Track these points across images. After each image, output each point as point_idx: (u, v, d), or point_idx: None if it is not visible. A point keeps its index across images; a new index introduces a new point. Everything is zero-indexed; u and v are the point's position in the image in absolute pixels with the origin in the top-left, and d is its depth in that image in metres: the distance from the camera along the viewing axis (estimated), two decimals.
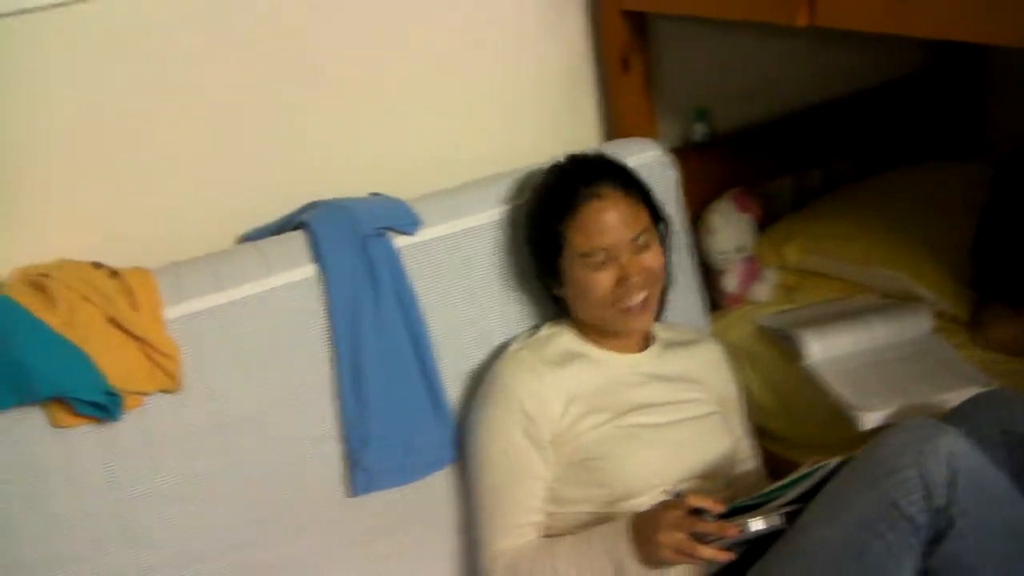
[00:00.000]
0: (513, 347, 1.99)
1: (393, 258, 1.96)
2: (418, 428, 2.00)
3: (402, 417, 1.98)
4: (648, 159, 2.24)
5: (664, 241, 1.99)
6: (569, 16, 2.38)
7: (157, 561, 1.83)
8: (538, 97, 2.40)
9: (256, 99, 2.05)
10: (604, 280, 1.89)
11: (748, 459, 2.14)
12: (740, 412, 2.15)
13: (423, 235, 2.02)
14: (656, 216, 1.98)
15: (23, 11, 1.79)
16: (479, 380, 2.00)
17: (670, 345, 2.07)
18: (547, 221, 1.96)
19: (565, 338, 2.00)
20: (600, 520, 1.86)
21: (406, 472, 2.00)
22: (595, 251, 1.88)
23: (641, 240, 1.90)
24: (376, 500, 1.99)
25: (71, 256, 1.88)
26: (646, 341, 2.05)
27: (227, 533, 1.88)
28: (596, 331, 1.99)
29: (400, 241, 1.99)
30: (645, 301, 1.91)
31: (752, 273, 2.62)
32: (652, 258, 1.91)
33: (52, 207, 1.93)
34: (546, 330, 2.03)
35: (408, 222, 1.99)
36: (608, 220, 1.89)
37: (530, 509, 1.91)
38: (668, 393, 1.99)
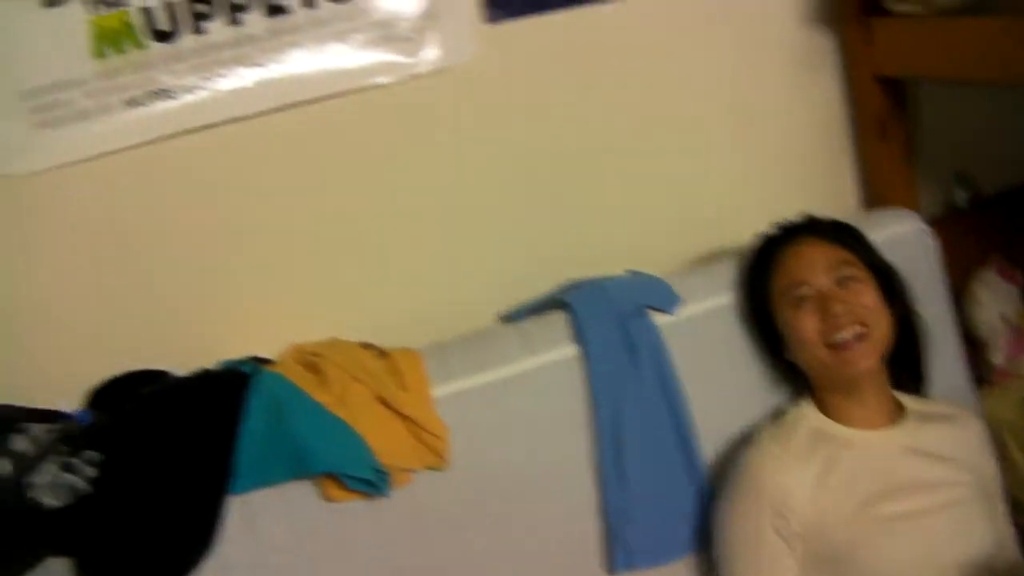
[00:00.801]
0: (758, 436, 1.92)
1: (654, 336, 1.96)
2: (678, 507, 1.97)
3: (663, 496, 1.96)
4: (906, 230, 2.18)
5: (892, 294, 1.91)
6: (822, 84, 2.35)
7: None
8: (793, 165, 2.37)
9: (513, 179, 2.12)
10: (808, 316, 1.84)
11: (1009, 550, 1.96)
12: (1001, 498, 1.99)
13: (682, 313, 2.01)
14: (874, 266, 1.90)
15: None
16: (727, 470, 1.94)
17: (926, 419, 1.93)
18: (753, 280, 1.95)
19: (810, 419, 1.90)
20: None
21: (666, 551, 1.98)
22: (794, 285, 1.85)
23: (845, 272, 1.84)
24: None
25: (339, 334, 1.94)
26: (898, 414, 1.93)
27: None
28: (837, 401, 1.90)
29: (659, 319, 1.97)
30: (861, 338, 1.81)
31: (1020, 345, 2.50)
32: (860, 293, 1.84)
33: (317, 290, 2.04)
34: (791, 414, 1.94)
35: (667, 300, 1.99)
36: (806, 256, 1.87)
37: None
38: (924, 471, 1.85)
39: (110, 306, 1.94)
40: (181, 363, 1.90)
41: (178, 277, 1.95)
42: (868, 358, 1.82)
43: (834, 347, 1.82)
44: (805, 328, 1.84)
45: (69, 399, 1.89)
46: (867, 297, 1.84)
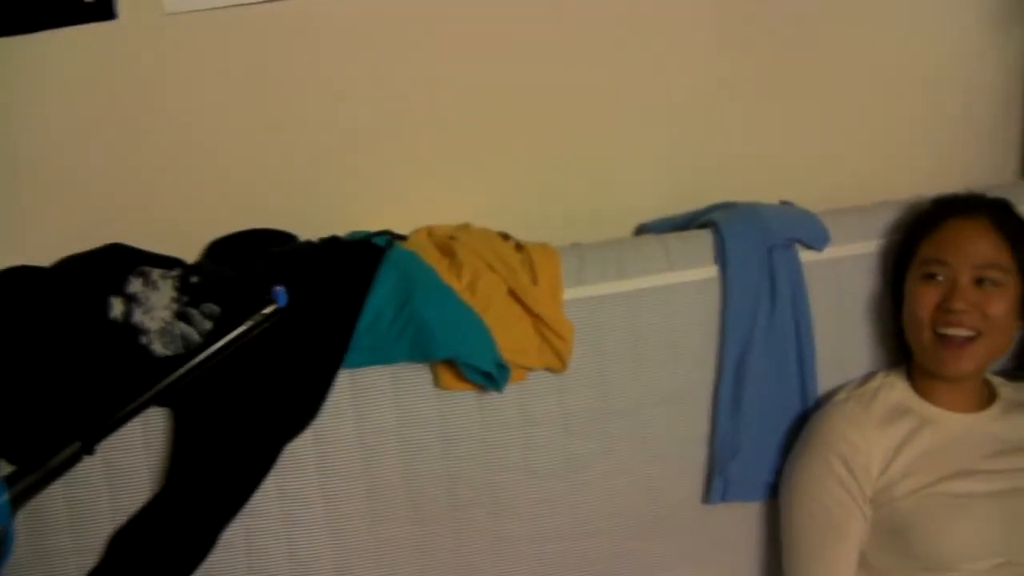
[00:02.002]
0: (840, 396, 1.89)
1: (797, 272, 1.90)
2: (784, 447, 1.94)
3: (772, 434, 1.93)
4: None
5: None
6: (1008, 44, 2.24)
7: (517, 533, 1.86)
8: (962, 122, 2.27)
9: (679, 93, 2.05)
10: (931, 295, 1.79)
11: None
12: None
13: (828, 252, 1.94)
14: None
15: None
16: (807, 427, 1.90)
17: (1016, 406, 1.87)
18: (908, 236, 1.89)
19: (896, 391, 1.86)
20: None
21: (766, 488, 1.95)
22: (935, 260, 1.79)
23: (989, 274, 1.76)
24: (731, 512, 1.96)
25: (476, 221, 1.92)
26: (988, 399, 1.87)
27: (587, 518, 1.89)
28: (928, 381, 1.85)
29: (805, 255, 1.91)
30: (969, 344, 1.76)
31: None
32: (992, 300, 1.76)
33: (460, 171, 1.99)
34: (878, 380, 1.90)
35: (818, 237, 1.93)
36: (962, 236, 1.79)
37: (848, 567, 1.80)
38: (1004, 459, 1.80)
39: (245, 158, 1.89)
40: (310, 228, 1.86)
41: (317, 139, 1.90)
42: (967, 363, 1.77)
43: (939, 338, 1.78)
44: (923, 305, 1.80)
45: (191, 249, 1.86)
46: (997, 307, 1.77)
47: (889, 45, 2.15)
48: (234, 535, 1.73)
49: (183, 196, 1.87)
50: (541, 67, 1.95)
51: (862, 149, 2.19)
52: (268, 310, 1.61)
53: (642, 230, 2.06)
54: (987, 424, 1.82)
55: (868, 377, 1.93)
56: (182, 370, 1.58)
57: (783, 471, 1.88)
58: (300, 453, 1.73)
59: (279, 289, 1.61)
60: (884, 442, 1.78)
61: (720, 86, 2.05)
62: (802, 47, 2.10)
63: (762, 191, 2.04)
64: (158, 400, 1.61)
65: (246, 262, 1.75)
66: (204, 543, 1.68)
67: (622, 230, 2.06)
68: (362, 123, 1.90)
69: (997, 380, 1.91)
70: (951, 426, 1.81)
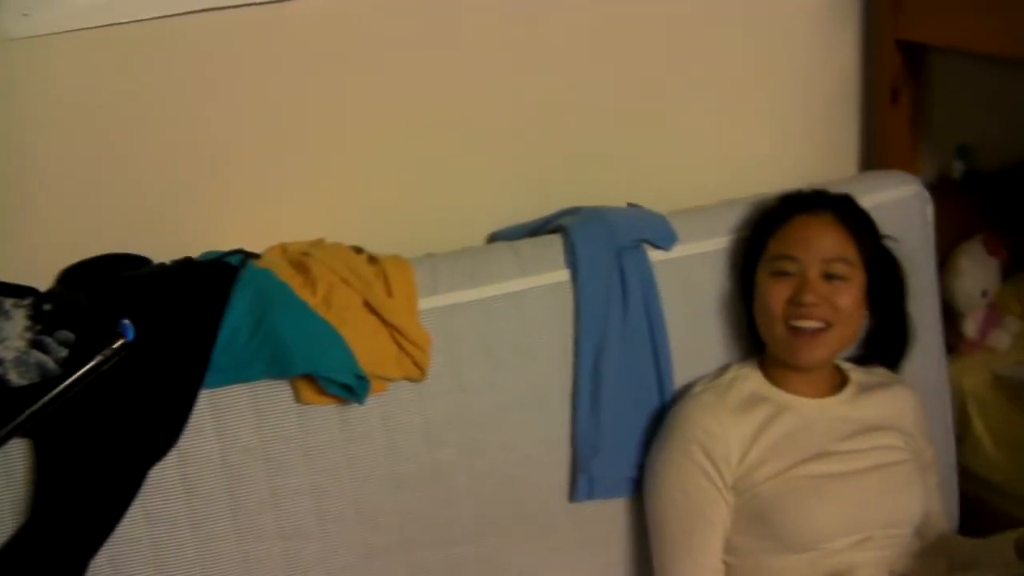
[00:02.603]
0: (696, 389, 1.94)
1: (647, 272, 1.94)
2: (645, 443, 1.97)
3: (632, 430, 1.96)
4: (906, 194, 2.18)
5: (886, 291, 1.92)
6: (842, 41, 2.32)
7: (384, 544, 1.86)
8: (801, 120, 2.35)
9: (523, 101, 2.07)
10: (782, 290, 1.84)
11: (940, 519, 2.02)
12: (934, 465, 2.03)
13: (677, 251, 1.99)
14: (873, 264, 1.89)
15: None
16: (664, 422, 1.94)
17: (865, 389, 1.96)
18: (756, 233, 1.94)
19: (751, 381, 1.92)
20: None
21: (627, 485, 1.98)
22: (785, 256, 1.84)
23: (836, 268, 1.83)
24: (599, 509, 1.98)
25: (329, 236, 1.92)
26: (839, 384, 1.95)
27: (453, 524, 1.90)
28: (780, 370, 1.91)
29: (654, 255, 1.96)
30: (820, 335, 1.82)
31: (993, 320, 2.52)
32: (840, 293, 1.83)
33: (311, 188, 1.98)
34: (732, 372, 1.95)
35: (666, 237, 1.97)
36: (809, 232, 1.85)
37: (714, 554, 1.84)
38: (858, 439, 1.88)
39: (94, 183, 1.87)
40: (163, 251, 1.85)
41: (167, 161, 1.88)
42: (819, 352, 1.84)
43: (792, 330, 1.83)
44: (774, 300, 1.85)
45: (42, 277, 1.82)
46: (844, 299, 1.83)
47: (730, 47, 2.21)
48: (102, 565, 1.71)
49: (34, 224, 1.85)
50: (385, 80, 1.96)
51: (707, 150, 2.25)
52: (116, 344, 1.60)
53: (494, 238, 2.09)
54: (839, 408, 1.89)
55: (723, 369, 1.98)
56: (43, 400, 1.56)
57: (645, 464, 1.92)
58: (164, 476, 1.72)
59: (126, 323, 1.61)
60: (741, 430, 1.83)
61: (565, 93, 2.09)
62: (646, 52, 2.14)
63: (610, 195, 2.07)
64: (18, 431, 1.59)
65: (99, 288, 1.74)
66: (72, 575, 1.66)
67: (474, 239, 2.08)
68: (213, 144, 1.90)
69: (846, 365, 1.98)
70: (805, 411, 1.87)
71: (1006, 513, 2.24)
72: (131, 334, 1.60)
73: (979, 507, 2.27)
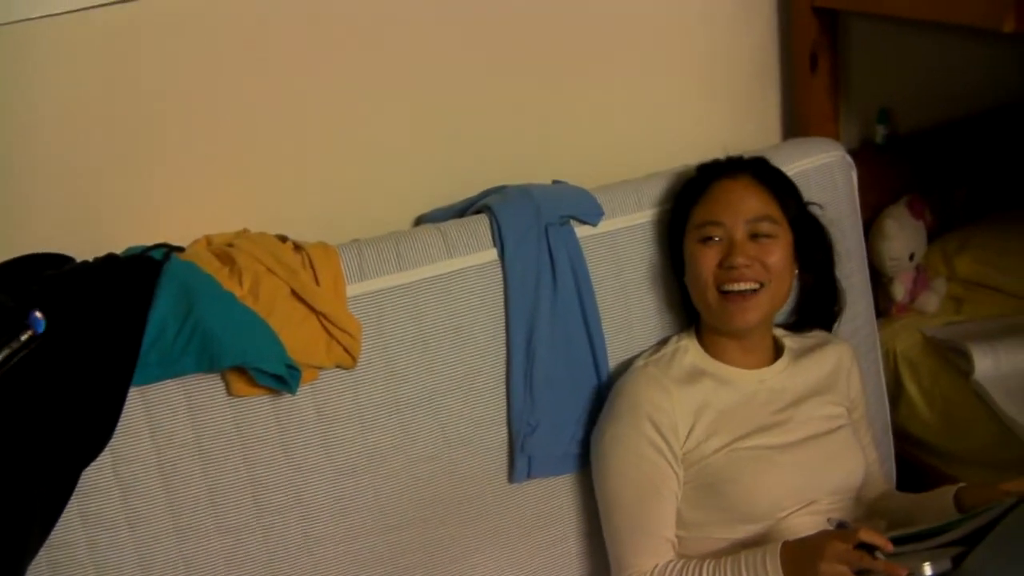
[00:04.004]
0: (639, 362, 1.95)
1: (575, 247, 1.94)
2: (585, 419, 1.98)
3: (571, 407, 1.97)
4: (829, 160, 2.20)
5: (813, 253, 1.94)
6: (760, 11, 2.34)
7: (324, 533, 1.85)
8: (722, 91, 2.37)
9: (443, 82, 2.06)
10: (711, 256, 1.85)
11: (878, 476, 2.06)
12: (867, 419, 2.06)
13: (604, 226, 2.00)
14: (798, 221, 1.91)
15: None
16: (609, 399, 1.94)
17: (800, 354, 1.99)
18: (679, 204, 1.96)
19: (691, 354, 1.94)
20: (733, 548, 1.80)
21: (570, 461, 1.99)
22: (710, 222, 1.85)
23: (762, 227, 1.84)
24: (539, 488, 1.99)
25: (253, 228, 1.90)
26: (775, 353, 1.97)
27: (394, 510, 1.89)
28: (717, 340, 1.93)
29: (581, 231, 1.97)
30: (753, 297, 1.84)
31: (921, 282, 2.55)
32: (769, 251, 1.84)
33: (234, 179, 1.96)
34: (672, 344, 1.97)
35: (592, 212, 1.98)
36: (731, 196, 1.86)
37: (667, 525, 1.85)
38: (797, 409, 1.91)
39: (10, 182, 1.82)
40: (85, 249, 1.81)
41: (87, 157, 1.86)
42: (753, 315, 1.85)
43: (724, 295, 1.84)
44: (704, 267, 1.86)
45: None
46: (773, 257, 1.85)
47: (649, 22, 2.23)
48: (41, 570, 1.69)
49: None
50: (304, 67, 1.95)
51: (631, 125, 2.27)
52: (24, 337, 1.58)
53: (420, 221, 2.08)
54: (777, 377, 1.92)
55: (662, 343, 2.00)
56: None
57: (594, 441, 1.92)
58: (99, 477, 1.70)
59: (36, 315, 1.59)
60: (686, 403, 1.84)
61: (487, 72, 2.09)
62: (565, 29, 2.15)
63: (536, 173, 2.08)
64: None
65: (21, 288, 1.72)
66: None
67: (402, 224, 2.07)
68: (133, 138, 1.87)
69: (780, 332, 2.00)
70: (744, 384, 1.89)
71: (941, 471, 2.27)
72: (41, 327, 1.58)
73: (915, 467, 2.30)
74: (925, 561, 1.53)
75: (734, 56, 2.34)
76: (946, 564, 1.54)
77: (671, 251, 1.99)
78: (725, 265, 1.83)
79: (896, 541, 1.57)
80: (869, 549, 1.56)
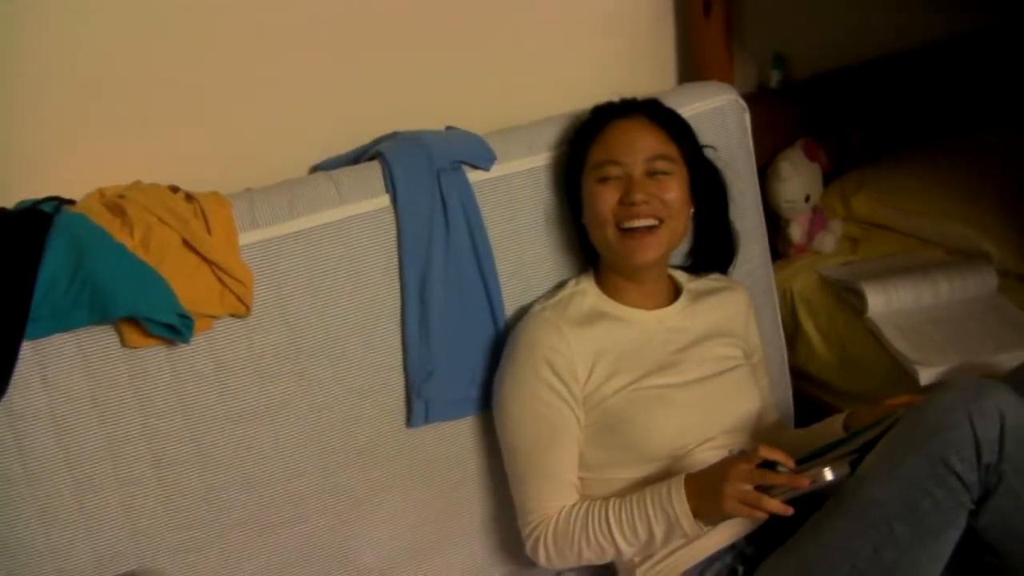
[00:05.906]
0: (536, 307, 1.97)
1: (467, 192, 1.96)
2: (482, 362, 2.00)
3: (466, 351, 1.99)
4: (723, 103, 2.23)
5: (707, 194, 1.98)
6: None
7: (224, 482, 1.86)
8: (617, 36, 2.38)
9: (333, 30, 2.05)
10: (610, 194, 1.88)
11: (772, 414, 2.13)
12: (764, 361, 2.13)
13: (497, 170, 2.01)
14: (693, 160, 1.95)
15: None
16: (507, 344, 1.97)
17: (698, 296, 2.03)
18: (575, 146, 1.98)
19: (589, 296, 1.97)
20: (635, 487, 1.84)
21: (467, 405, 2.02)
22: (608, 161, 1.88)
23: (659, 165, 1.88)
24: (438, 432, 2.02)
25: (146, 179, 1.87)
26: (674, 294, 2.01)
27: (294, 458, 1.90)
28: (616, 281, 1.97)
29: (474, 176, 1.97)
30: (651, 232, 1.87)
31: (818, 223, 2.60)
32: (667, 187, 1.88)
33: (126, 130, 1.93)
34: (570, 288, 2.00)
35: (484, 157, 1.99)
36: (628, 136, 1.90)
37: (570, 468, 1.89)
38: (695, 349, 1.96)
39: None
40: None
41: None
42: (653, 251, 1.88)
43: (624, 232, 1.87)
44: (603, 205, 1.89)
45: None
46: (672, 193, 1.88)
47: None
48: None
49: None
50: (196, 16, 1.93)
51: (525, 71, 2.28)
52: None
53: (315, 171, 2.07)
54: (675, 317, 1.96)
55: (559, 286, 2.02)
56: None
57: (495, 388, 1.94)
58: None
59: None
60: (585, 346, 1.87)
61: (379, 19, 2.09)
62: None
63: (430, 120, 2.08)
64: None
65: None
66: None
67: (297, 174, 2.05)
68: (23, 90, 1.84)
69: (679, 274, 2.04)
70: (644, 324, 1.93)
71: (838, 410, 2.30)
72: None
73: (813, 405, 2.35)
74: (825, 467, 1.57)
75: (628, 1, 2.33)
76: (845, 469, 1.62)
77: (568, 192, 2.00)
78: (625, 202, 1.86)
79: (797, 462, 1.64)
80: (771, 466, 1.61)
